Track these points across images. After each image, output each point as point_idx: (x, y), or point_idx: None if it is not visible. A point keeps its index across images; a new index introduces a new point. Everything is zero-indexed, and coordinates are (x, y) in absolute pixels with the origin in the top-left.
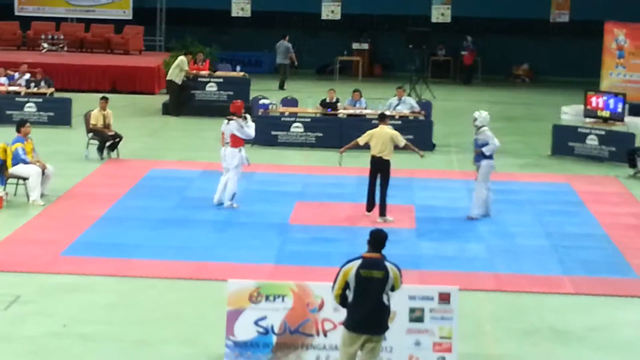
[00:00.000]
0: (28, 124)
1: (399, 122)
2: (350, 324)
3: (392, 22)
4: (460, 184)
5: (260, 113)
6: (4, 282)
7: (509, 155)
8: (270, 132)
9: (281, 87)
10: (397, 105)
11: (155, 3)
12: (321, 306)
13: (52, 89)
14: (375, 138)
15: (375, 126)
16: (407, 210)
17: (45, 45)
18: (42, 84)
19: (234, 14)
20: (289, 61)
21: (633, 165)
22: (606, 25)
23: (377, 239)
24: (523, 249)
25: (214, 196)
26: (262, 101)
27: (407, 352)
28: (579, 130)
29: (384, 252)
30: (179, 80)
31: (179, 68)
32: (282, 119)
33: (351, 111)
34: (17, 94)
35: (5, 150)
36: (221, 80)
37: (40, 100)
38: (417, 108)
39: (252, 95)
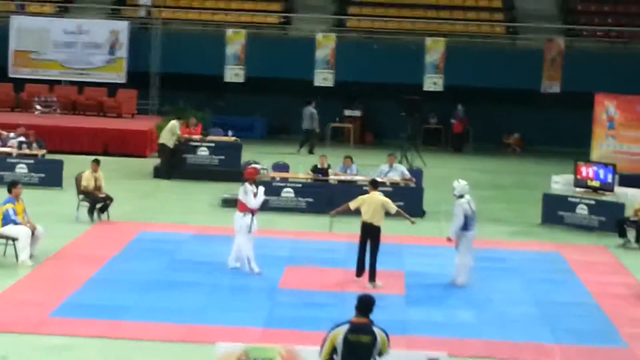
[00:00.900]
0: (19, 185)
1: (390, 188)
2: None
3: (384, 90)
4: (450, 251)
5: None
6: None
7: (499, 223)
8: None
9: (311, 151)
10: (388, 172)
11: (150, 68)
12: None
13: (44, 151)
14: (367, 204)
15: (366, 192)
16: (397, 276)
17: (39, 107)
18: (34, 145)
19: (227, 79)
20: (315, 127)
21: (623, 235)
22: (597, 97)
23: (365, 304)
24: (512, 316)
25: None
26: (253, 166)
27: None
28: (569, 199)
29: (371, 317)
30: (171, 143)
31: (171, 132)
32: (273, 184)
33: (342, 177)
34: (9, 154)
35: None
36: (213, 144)
37: (32, 161)
38: (408, 175)
39: (244, 159)
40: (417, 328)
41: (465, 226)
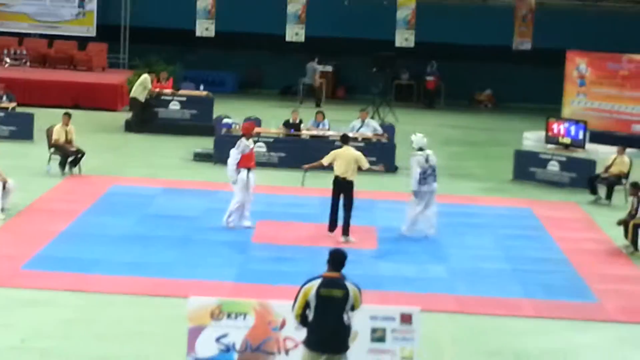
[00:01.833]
0: None
1: (362, 144)
2: (311, 343)
3: (356, 46)
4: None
5: (223, 132)
6: None
7: (470, 179)
8: None
9: (318, 105)
10: (360, 127)
11: (120, 21)
12: (283, 325)
13: (14, 104)
14: (340, 159)
15: (339, 147)
16: (369, 231)
17: (8, 60)
18: (4, 98)
19: (198, 33)
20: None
21: (594, 191)
22: (568, 54)
23: (337, 259)
24: (484, 271)
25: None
26: (224, 120)
27: None
28: (540, 156)
29: (343, 271)
30: (142, 97)
31: (142, 86)
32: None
33: (314, 132)
34: None
35: None
36: (184, 99)
37: (2, 114)
38: (379, 131)
39: (216, 114)
40: (390, 283)
41: (420, 180)
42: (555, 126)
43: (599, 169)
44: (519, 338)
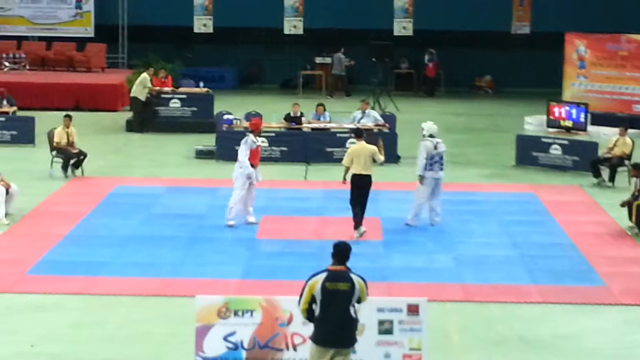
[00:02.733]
0: None
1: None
2: (319, 338)
3: (354, 36)
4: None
5: (224, 128)
6: None
7: (473, 166)
8: (234, 148)
9: (348, 94)
10: (361, 118)
11: (117, 20)
12: (290, 320)
13: (14, 108)
14: (357, 155)
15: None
16: (374, 222)
17: (7, 64)
18: (5, 102)
19: (196, 30)
20: (344, 72)
21: (597, 174)
22: (567, 36)
23: (342, 252)
24: (490, 259)
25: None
26: (226, 116)
27: None
28: (543, 140)
29: (349, 264)
30: (142, 97)
31: (142, 85)
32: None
33: (315, 125)
34: None
35: None
36: (184, 96)
37: (3, 119)
38: (381, 121)
39: (216, 110)
40: (396, 274)
41: (427, 165)
42: (556, 110)
43: (601, 151)
44: (527, 324)
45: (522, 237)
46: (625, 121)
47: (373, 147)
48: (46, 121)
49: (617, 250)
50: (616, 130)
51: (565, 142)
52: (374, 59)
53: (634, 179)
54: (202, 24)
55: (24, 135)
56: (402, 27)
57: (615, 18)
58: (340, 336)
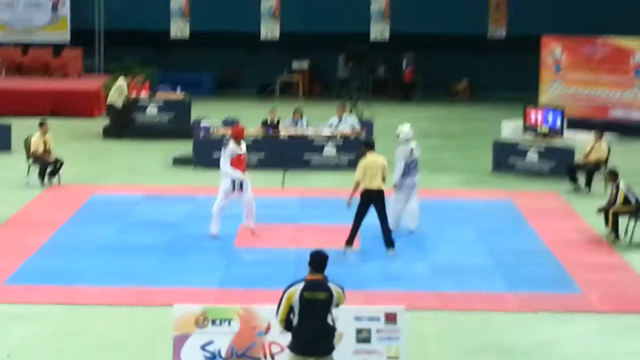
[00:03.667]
0: None
1: (340, 142)
2: (297, 347)
3: (330, 40)
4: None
5: (201, 135)
6: None
7: (450, 172)
8: (212, 155)
9: (349, 97)
10: (339, 123)
11: (94, 25)
12: (268, 329)
13: None
14: (371, 169)
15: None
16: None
17: None
18: None
19: (173, 34)
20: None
21: (573, 180)
22: (543, 40)
23: (319, 261)
24: (467, 266)
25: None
26: (203, 124)
27: None
28: (519, 146)
29: (327, 272)
30: (119, 103)
31: (118, 92)
32: (224, 140)
33: (293, 132)
34: None
35: None
36: (161, 102)
37: None
38: (358, 127)
39: (193, 116)
40: (374, 282)
41: (404, 172)
42: (533, 115)
43: (578, 157)
44: (504, 332)
45: (499, 244)
46: (601, 126)
47: (384, 162)
48: (23, 128)
49: (594, 257)
50: (592, 135)
51: (542, 148)
52: (349, 64)
53: (610, 185)
54: (179, 28)
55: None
56: (379, 31)
57: (591, 21)
58: (319, 345)
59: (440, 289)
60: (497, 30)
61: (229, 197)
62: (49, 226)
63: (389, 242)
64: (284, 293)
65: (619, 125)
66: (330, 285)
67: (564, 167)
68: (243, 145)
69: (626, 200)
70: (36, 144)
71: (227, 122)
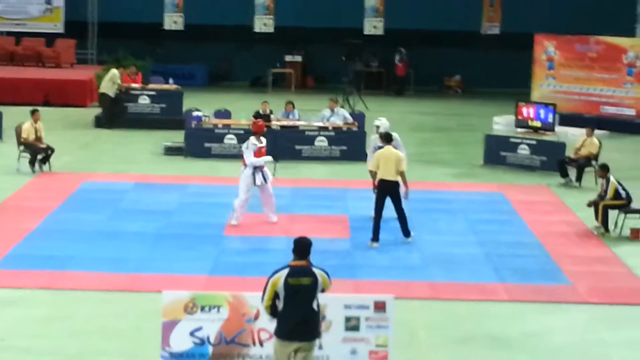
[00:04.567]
0: None
1: (333, 133)
2: (281, 332)
3: (324, 35)
4: None
5: (193, 125)
6: None
7: (442, 165)
8: (203, 144)
9: (358, 89)
10: (330, 116)
11: (87, 16)
12: (257, 316)
13: None
14: (384, 160)
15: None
16: (342, 220)
17: None
18: None
19: (166, 27)
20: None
21: (564, 174)
22: (536, 37)
23: (302, 247)
24: (457, 257)
25: None
26: (195, 113)
27: None
28: (511, 140)
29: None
30: (111, 93)
31: (111, 81)
32: (216, 130)
33: (284, 123)
34: None
35: None
36: (154, 93)
37: None
38: (350, 119)
39: (185, 107)
40: (364, 271)
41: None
42: (524, 110)
43: (569, 152)
44: (493, 323)
45: (489, 236)
46: (592, 122)
47: (400, 154)
48: (14, 116)
49: (584, 250)
50: (584, 130)
51: (534, 142)
52: (343, 58)
53: (600, 180)
54: (173, 21)
55: None
56: (373, 25)
57: (584, 20)
58: (304, 330)
59: (430, 279)
60: (491, 26)
61: (250, 190)
62: (39, 212)
63: (406, 231)
64: (268, 280)
65: (610, 121)
66: (315, 270)
67: (555, 161)
68: (263, 139)
69: (617, 194)
70: (27, 132)
71: (219, 113)
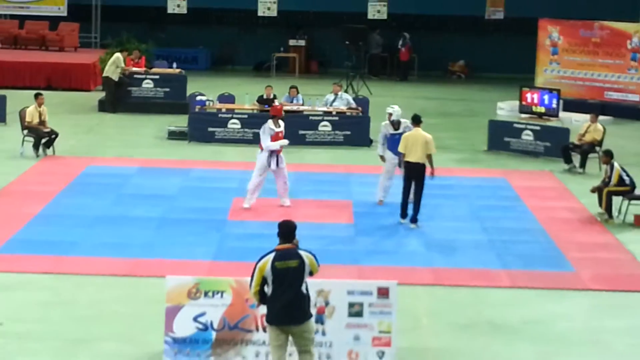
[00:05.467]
0: None
1: (336, 117)
2: (272, 318)
3: (328, 19)
4: (397, 179)
5: (197, 109)
6: None
7: (445, 151)
8: (207, 129)
9: (374, 75)
10: (334, 101)
11: (91, 0)
12: None
13: None
14: (412, 142)
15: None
16: (345, 205)
17: None
18: None
19: (170, 10)
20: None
21: (568, 160)
22: (540, 22)
23: (287, 230)
24: (460, 243)
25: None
26: (198, 97)
27: (346, 347)
28: (515, 125)
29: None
30: (115, 77)
31: (115, 65)
32: (219, 115)
33: (288, 107)
34: None
35: None
36: (157, 77)
37: None
38: (353, 104)
39: (189, 91)
40: (367, 257)
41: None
42: (528, 95)
43: (573, 137)
44: (496, 309)
45: (492, 222)
46: (596, 108)
47: (429, 137)
48: (18, 100)
49: (587, 236)
50: (588, 116)
51: (537, 127)
52: (347, 42)
53: (604, 166)
54: (176, 5)
55: None
56: (377, 10)
57: (588, 4)
58: (293, 313)
59: (434, 264)
60: (495, 11)
61: (264, 173)
62: (42, 197)
63: (414, 217)
64: (255, 265)
65: (614, 107)
66: (301, 252)
67: (558, 147)
68: (281, 123)
69: (621, 181)
70: (31, 115)
71: (223, 97)
